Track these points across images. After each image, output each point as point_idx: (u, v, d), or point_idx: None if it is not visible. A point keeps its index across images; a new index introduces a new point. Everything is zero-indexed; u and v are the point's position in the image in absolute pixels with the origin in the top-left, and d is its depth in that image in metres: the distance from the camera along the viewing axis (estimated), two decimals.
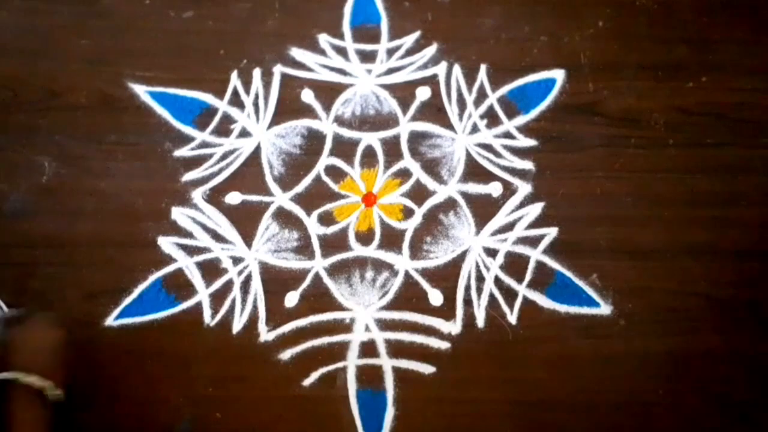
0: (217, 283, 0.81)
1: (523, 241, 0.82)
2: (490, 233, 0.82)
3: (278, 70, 0.87)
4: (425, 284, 0.81)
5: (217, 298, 0.80)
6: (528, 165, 0.84)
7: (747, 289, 0.81)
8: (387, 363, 0.78)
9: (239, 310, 0.80)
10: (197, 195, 0.83)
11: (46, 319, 0.72)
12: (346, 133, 0.86)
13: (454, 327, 0.80)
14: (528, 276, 0.81)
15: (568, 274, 0.81)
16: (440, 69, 0.87)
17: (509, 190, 0.84)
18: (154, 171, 0.83)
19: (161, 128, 0.85)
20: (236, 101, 0.86)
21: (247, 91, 0.86)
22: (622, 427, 0.78)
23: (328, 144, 0.85)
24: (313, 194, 0.84)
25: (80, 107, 0.85)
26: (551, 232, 0.82)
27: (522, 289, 0.80)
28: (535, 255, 0.81)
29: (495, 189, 0.84)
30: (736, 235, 0.83)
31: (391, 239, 0.83)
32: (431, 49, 0.88)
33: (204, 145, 0.84)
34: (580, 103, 0.86)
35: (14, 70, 0.85)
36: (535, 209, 0.83)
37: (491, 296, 0.80)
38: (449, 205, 0.84)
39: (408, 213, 0.84)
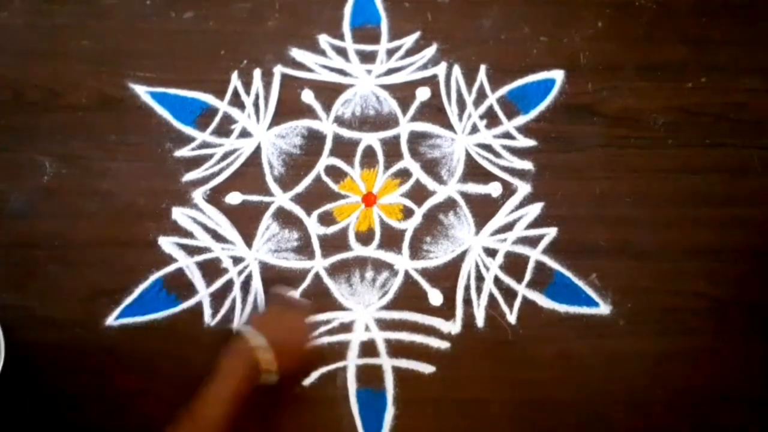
0: (218, 283, 0.81)
1: (522, 241, 0.82)
2: (489, 233, 0.82)
3: (278, 70, 0.87)
4: (425, 284, 0.81)
5: (218, 297, 0.80)
6: (527, 165, 0.84)
7: (747, 289, 0.81)
8: (387, 363, 0.78)
9: (239, 310, 0.80)
10: (198, 195, 0.83)
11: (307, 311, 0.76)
12: (346, 133, 0.86)
13: (453, 327, 0.80)
14: (527, 276, 0.81)
15: (568, 274, 0.81)
16: (440, 69, 0.87)
17: (509, 190, 0.84)
18: (154, 171, 0.83)
19: (162, 128, 0.85)
20: (237, 101, 0.86)
21: (248, 92, 0.86)
22: (622, 427, 0.78)
23: (328, 144, 0.85)
24: (313, 194, 0.84)
25: (81, 107, 0.85)
26: (551, 232, 0.82)
27: (521, 289, 0.80)
28: (535, 255, 0.82)
29: (495, 189, 0.84)
30: (736, 235, 0.83)
31: (391, 239, 0.83)
32: (431, 50, 0.88)
33: (204, 145, 0.85)
34: (579, 104, 0.86)
35: (14, 70, 0.86)
36: (535, 209, 0.83)
37: (491, 296, 0.80)
38: (449, 205, 0.84)
39: (408, 213, 0.84)
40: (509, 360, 0.79)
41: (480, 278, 0.81)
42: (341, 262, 0.82)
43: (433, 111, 0.86)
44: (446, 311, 0.80)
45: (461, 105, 0.87)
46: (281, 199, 0.83)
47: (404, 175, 0.85)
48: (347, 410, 0.78)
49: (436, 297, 0.80)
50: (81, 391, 0.77)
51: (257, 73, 0.87)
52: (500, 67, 0.87)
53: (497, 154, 0.85)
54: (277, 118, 0.86)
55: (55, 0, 0.88)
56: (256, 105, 0.86)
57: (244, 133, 0.85)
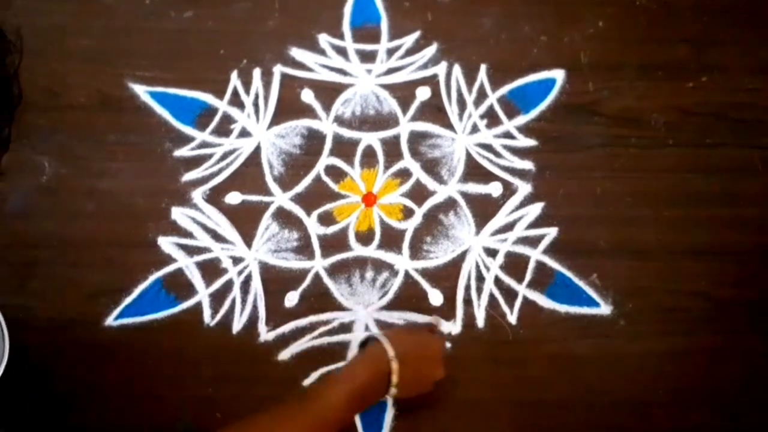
0: (217, 283, 0.80)
1: (523, 241, 0.82)
2: (490, 233, 0.82)
3: (278, 70, 0.87)
4: (425, 284, 0.81)
5: (217, 298, 0.80)
6: (528, 165, 0.84)
7: (747, 289, 0.81)
8: None
9: (239, 310, 0.80)
10: (197, 195, 0.83)
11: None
12: (346, 133, 0.86)
13: (454, 327, 0.79)
14: (528, 276, 0.81)
15: (568, 274, 0.81)
16: (440, 69, 0.87)
17: (509, 190, 0.84)
18: (154, 171, 0.83)
19: (161, 128, 0.85)
20: (236, 101, 0.86)
21: (247, 91, 0.86)
22: (622, 427, 0.78)
23: (328, 144, 0.85)
24: (313, 194, 0.84)
25: (80, 107, 0.85)
26: (551, 232, 0.82)
27: (522, 289, 0.80)
28: (535, 255, 0.81)
29: (495, 189, 0.84)
30: (736, 235, 0.83)
31: (391, 239, 0.83)
32: (431, 49, 0.88)
33: (204, 145, 0.85)
34: (580, 103, 0.86)
35: None
36: (535, 209, 0.83)
37: (491, 296, 0.80)
38: (449, 205, 0.84)
39: (408, 213, 0.84)
40: (509, 360, 0.79)
41: (480, 278, 0.81)
42: (341, 262, 0.82)
43: (434, 111, 0.86)
44: (446, 311, 0.80)
45: (461, 105, 0.86)
46: (281, 199, 0.83)
47: (404, 174, 0.85)
48: None
49: (436, 297, 0.80)
50: (81, 391, 0.77)
51: (257, 72, 0.87)
52: (501, 67, 0.87)
53: (498, 154, 0.85)
54: (277, 118, 0.86)
55: (55, 0, 0.88)
56: (255, 105, 0.86)
57: (244, 133, 0.85)
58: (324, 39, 0.88)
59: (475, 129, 0.86)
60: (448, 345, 0.79)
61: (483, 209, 0.83)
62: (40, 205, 0.82)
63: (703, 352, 0.79)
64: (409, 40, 0.88)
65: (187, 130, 0.85)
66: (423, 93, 0.87)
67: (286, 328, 0.79)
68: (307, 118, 0.86)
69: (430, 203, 0.84)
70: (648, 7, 0.89)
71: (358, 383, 0.63)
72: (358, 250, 0.82)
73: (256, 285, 0.81)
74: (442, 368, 0.70)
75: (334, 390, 0.62)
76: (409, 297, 0.80)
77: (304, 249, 0.82)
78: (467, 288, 0.81)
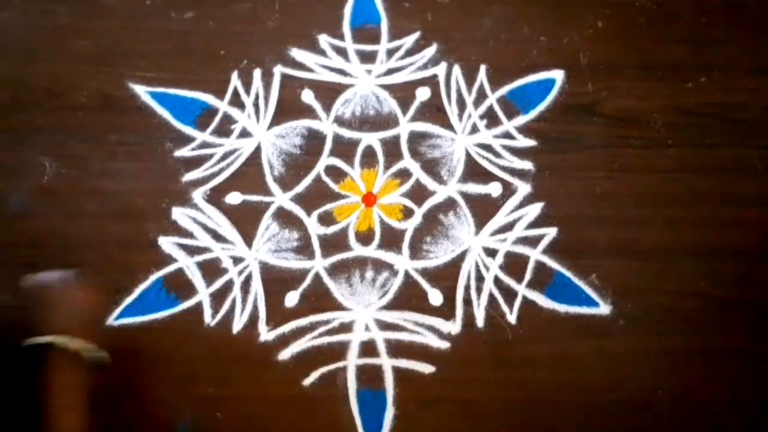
0: (218, 283, 0.81)
1: (522, 241, 0.82)
2: (489, 233, 0.82)
3: (278, 70, 0.87)
4: (425, 284, 0.81)
5: (218, 298, 0.80)
6: (527, 165, 0.84)
7: (747, 289, 0.81)
8: (387, 363, 0.79)
9: (239, 310, 0.80)
10: (198, 195, 0.83)
11: (85, 282, 0.72)
12: (346, 133, 0.86)
13: (453, 327, 0.80)
14: (527, 276, 0.81)
15: (568, 274, 0.81)
16: (440, 69, 0.87)
17: (509, 190, 0.84)
18: (154, 171, 0.83)
19: (162, 128, 0.85)
20: (236, 101, 0.86)
21: (248, 92, 0.86)
22: (622, 427, 0.78)
23: (328, 144, 0.85)
24: (313, 194, 0.84)
25: (80, 107, 0.85)
26: (551, 232, 0.82)
27: (521, 289, 0.80)
28: (535, 255, 0.82)
29: (495, 189, 0.84)
30: (736, 235, 0.83)
31: (391, 239, 0.83)
32: (431, 50, 0.88)
33: (204, 145, 0.85)
34: (579, 103, 0.86)
35: (14, 70, 0.86)
36: (535, 209, 0.83)
37: (491, 296, 0.80)
38: (449, 205, 0.84)
39: (408, 213, 0.84)
40: (509, 360, 0.79)
41: (480, 278, 0.81)
42: (341, 262, 0.82)
43: (433, 111, 0.86)
44: (446, 311, 0.80)
45: (461, 105, 0.87)
46: (281, 199, 0.83)
47: (404, 175, 0.85)
48: (347, 410, 0.78)
49: (436, 297, 0.80)
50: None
51: (257, 73, 0.87)
52: (500, 67, 0.87)
53: (497, 154, 0.85)
54: (277, 118, 0.86)
55: (55, 0, 0.88)
56: (256, 105, 0.86)
57: (244, 133, 0.85)
58: (324, 39, 0.88)
59: (474, 129, 0.86)
60: (448, 345, 0.79)
61: (483, 209, 0.83)
62: (40, 205, 0.82)
63: (702, 352, 0.79)
64: (408, 40, 0.88)
65: (188, 130, 0.85)
66: (423, 93, 0.87)
67: (286, 328, 0.79)
68: (307, 119, 0.86)
69: (429, 203, 0.84)
70: (648, 7, 0.89)
71: (71, 389, 0.65)
72: (358, 250, 0.82)
73: (257, 285, 0.81)
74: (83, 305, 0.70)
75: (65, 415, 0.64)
76: (409, 297, 0.80)
77: (304, 249, 0.82)
78: (467, 288, 0.81)
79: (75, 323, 0.68)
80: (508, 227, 0.83)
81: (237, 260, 0.81)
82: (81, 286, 0.72)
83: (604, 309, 0.80)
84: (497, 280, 0.81)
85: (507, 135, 0.86)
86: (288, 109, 0.86)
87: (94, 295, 0.71)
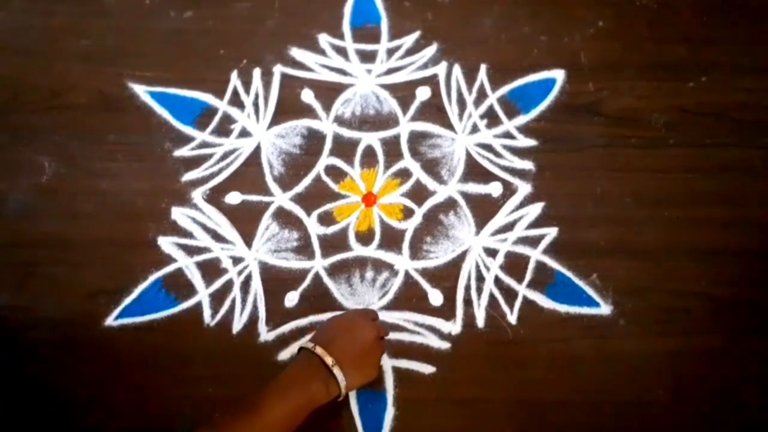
0: (217, 283, 0.81)
1: (523, 241, 0.82)
2: (490, 233, 0.82)
3: (278, 70, 0.87)
4: (425, 284, 0.81)
5: (217, 298, 0.80)
6: (528, 165, 0.84)
7: (747, 289, 0.81)
8: (387, 363, 0.78)
9: (239, 310, 0.80)
10: (197, 195, 0.83)
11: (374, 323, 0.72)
12: (346, 133, 0.86)
13: (454, 327, 0.79)
14: (528, 276, 0.81)
15: (568, 274, 0.81)
16: (440, 69, 0.87)
17: (509, 190, 0.84)
18: (154, 171, 0.83)
19: (161, 128, 0.85)
20: (236, 101, 0.86)
21: (247, 91, 0.86)
22: (622, 427, 0.78)
23: (328, 144, 0.85)
24: (313, 194, 0.84)
25: (80, 107, 0.85)
26: (551, 232, 0.82)
27: (522, 289, 0.80)
28: (535, 255, 0.81)
29: (495, 189, 0.84)
30: (736, 235, 0.83)
31: (391, 239, 0.83)
32: (431, 49, 0.88)
33: (204, 145, 0.85)
34: (580, 103, 0.86)
35: (14, 70, 0.86)
36: (535, 209, 0.83)
37: (491, 296, 0.80)
38: (449, 205, 0.84)
39: (408, 213, 0.84)
40: (509, 360, 0.79)
41: (480, 278, 0.81)
42: (341, 262, 0.82)
43: (434, 111, 0.86)
44: (446, 311, 0.80)
45: (461, 104, 0.86)
46: (281, 198, 0.83)
47: (404, 174, 0.85)
48: (347, 410, 0.77)
49: (436, 297, 0.80)
50: (81, 391, 0.77)
51: (257, 72, 0.87)
52: (500, 67, 0.87)
53: (498, 154, 0.85)
54: (277, 118, 0.86)
55: (55, 0, 0.88)
56: (255, 105, 0.86)
57: (244, 133, 0.85)
58: (324, 39, 0.88)
59: (475, 129, 0.86)
60: (448, 345, 0.79)
61: (483, 209, 0.83)
62: (40, 205, 0.82)
63: (703, 352, 0.79)
64: (409, 40, 0.88)
65: (187, 130, 0.85)
66: (423, 93, 0.87)
67: (286, 328, 0.79)
68: (307, 118, 0.86)
69: (430, 203, 0.84)
70: (648, 7, 0.89)
71: (301, 395, 0.64)
72: (358, 250, 0.82)
73: (256, 285, 0.81)
74: (378, 346, 0.70)
75: (279, 403, 0.62)
76: (409, 297, 0.80)
77: (304, 249, 0.82)
78: (467, 288, 0.81)
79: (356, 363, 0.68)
80: (509, 227, 0.82)
81: (237, 260, 0.81)
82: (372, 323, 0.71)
83: (604, 309, 0.80)
84: (498, 280, 0.81)
85: (507, 135, 0.85)
86: (288, 108, 0.86)
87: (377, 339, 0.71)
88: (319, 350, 0.66)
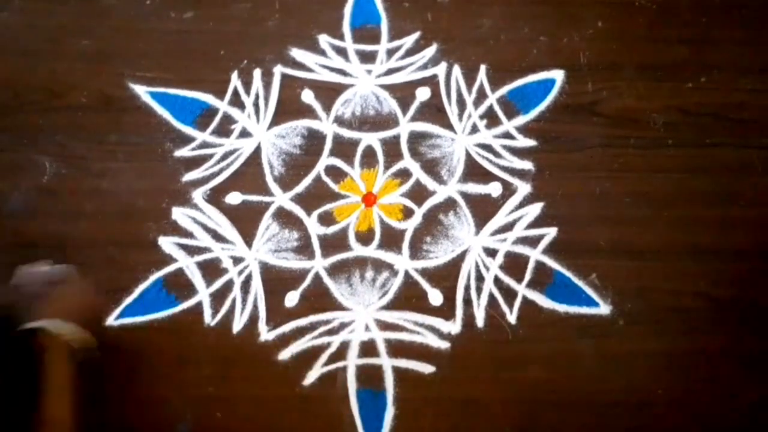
0: (218, 283, 0.81)
1: (522, 241, 0.82)
2: (489, 233, 0.83)
3: (278, 70, 0.87)
4: (425, 284, 0.81)
5: (218, 298, 0.80)
6: (527, 165, 0.84)
7: (747, 289, 0.81)
8: (387, 363, 0.79)
9: (239, 310, 0.80)
10: (198, 195, 0.83)
11: (80, 277, 0.74)
12: (346, 133, 0.86)
13: (453, 327, 0.80)
14: (527, 276, 0.81)
15: (568, 274, 0.81)
16: (440, 69, 0.87)
17: (509, 190, 0.84)
18: (154, 171, 0.83)
19: (162, 128, 0.85)
20: (236, 101, 0.86)
21: (248, 92, 0.86)
22: (622, 427, 0.78)
23: (328, 144, 0.85)
24: (313, 194, 0.84)
25: (81, 107, 0.85)
26: (551, 232, 0.82)
27: (521, 289, 0.81)
28: (535, 255, 0.82)
29: (495, 189, 0.84)
30: (736, 235, 0.83)
31: (391, 239, 0.83)
32: (431, 50, 0.88)
33: (204, 145, 0.85)
34: (579, 103, 0.86)
35: (14, 70, 0.86)
36: (535, 209, 0.83)
37: (491, 296, 0.80)
38: (449, 205, 0.84)
39: (408, 213, 0.84)
40: (509, 360, 0.79)
41: (480, 278, 0.81)
42: (341, 262, 0.82)
43: (433, 111, 0.86)
44: (446, 311, 0.80)
45: (461, 105, 0.87)
46: (281, 199, 0.83)
47: (404, 175, 0.85)
48: (347, 410, 0.78)
49: (436, 297, 0.80)
50: (80, 391, 0.77)
51: (257, 73, 0.87)
52: (500, 67, 0.87)
53: (497, 154, 0.85)
54: (277, 118, 0.86)
55: (55, 0, 0.88)
56: (256, 105, 0.86)
57: (244, 133, 0.85)
58: (324, 39, 0.88)
59: (474, 129, 0.86)
60: (448, 345, 0.79)
61: (483, 209, 0.83)
62: (40, 205, 0.82)
63: (702, 352, 0.79)
64: (408, 40, 0.88)
65: (188, 130, 0.85)
66: (423, 93, 0.87)
67: (286, 328, 0.79)
68: (307, 119, 0.86)
69: (429, 203, 0.84)
70: (648, 7, 0.89)
71: (63, 378, 0.65)
72: (358, 250, 0.82)
73: (257, 285, 0.81)
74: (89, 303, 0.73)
75: (57, 401, 0.64)
76: (409, 297, 0.80)
77: (304, 249, 0.82)
78: (467, 288, 0.81)
79: (67, 312, 0.68)
80: (508, 227, 0.83)
81: (237, 260, 0.81)
82: (75, 280, 0.74)
83: (604, 309, 0.80)
84: (497, 280, 0.81)
85: (507, 135, 0.86)
86: (288, 109, 0.86)
87: (88, 288, 0.73)
88: (47, 326, 0.67)
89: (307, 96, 0.86)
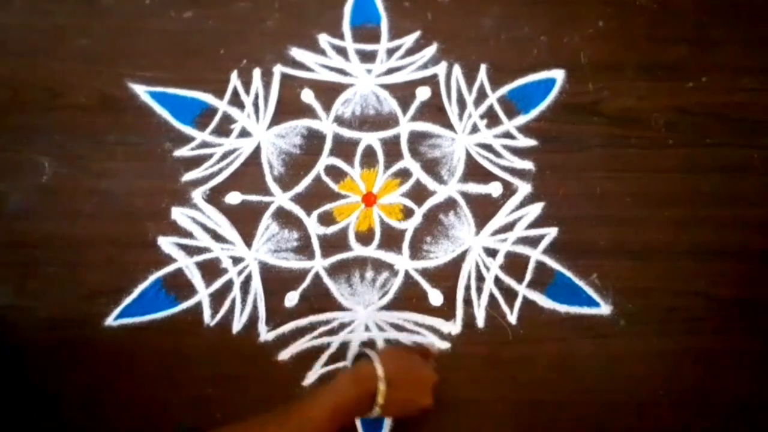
0: (217, 283, 0.81)
1: (523, 241, 0.82)
2: (490, 233, 0.82)
3: (278, 70, 0.87)
4: (425, 284, 0.81)
5: (217, 298, 0.80)
6: (528, 165, 0.84)
7: (747, 289, 0.81)
8: None
9: (239, 310, 0.80)
10: (197, 195, 0.83)
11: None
12: (346, 133, 0.86)
13: (454, 327, 0.80)
14: (528, 276, 0.81)
15: (568, 274, 0.81)
16: (440, 69, 0.87)
17: (509, 190, 0.84)
18: (154, 171, 0.83)
19: (161, 128, 0.85)
20: (236, 101, 0.86)
21: (247, 91, 0.86)
22: (622, 427, 0.78)
23: (328, 144, 0.85)
24: (313, 194, 0.84)
25: (80, 107, 0.85)
26: (551, 232, 0.82)
27: (522, 289, 0.80)
28: (535, 255, 0.81)
29: (495, 189, 0.84)
30: (736, 235, 0.83)
31: (391, 239, 0.83)
32: (431, 49, 0.88)
33: (204, 145, 0.85)
34: (580, 103, 0.86)
35: (14, 70, 0.85)
36: (535, 209, 0.83)
37: (491, 296, 0.80)
38: (449, 205, 0.84)
39: (408, 213, 0.84)
40: (509, 360, 0.79)
41: (480, 278, 0.81)
42: (341, 262, 0.82)
43: (434, 111, 0.86)
44: (446, 311, 0.80)
45: (461, 104, 0.86)
46: (281, 198, 0.83)
47: (404, 174, 0.85)
48: None
49: (436, 297, 0.80)
50: (81, 391, 0.77)
51: (257, 72, 0.87)
52: (500, 67, 0.87)
53: (498, 154, 0.85)
54: (277, 118, 0.86)
55: (55, 0, 0.88)
56: (255, 104, 0.86)
57: (244, 133, 0.85)
58: (324, 39, 0.88)
59: (475, 129, 0.86)
60: (448, 345, 0.79)
61: (483, 209, 0.83)
62: (40, 205, 0.82)
63: (703, 352, 0.79)
64: (409, 40, 0.88)
65: (187, 130, 0.85)
66: (423, 93, 0.87)
67: (286, 328, 0.79)
68: (307, 118, 0.86)
69: (430, 203, 0.84)
70: (648, 7, 0.89)
71: (344, 399, 0.64)
72: (358, 250, 0.82)
73: (256, 285, 0.81)
74: (430, 397, 0.70)
75: (319, 403, 0.63)
76: (409, 297, 0.80)
77: (304, 249, 0.82)
78: (467, 288, 0.81)
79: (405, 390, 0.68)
80: (509, 227, 0.82)
81: (237, 260, 0.81)
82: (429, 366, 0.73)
83: (604, 309, 0.80)
84: (497, 280, 0.81)
85: (507, 135, 0.85)
86: (288, 108, 0.86)
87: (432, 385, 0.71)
88: (374, 358, 0.67)
89: (307, 96, 0.86)
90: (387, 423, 0.76)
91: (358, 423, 0.77)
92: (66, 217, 0.82)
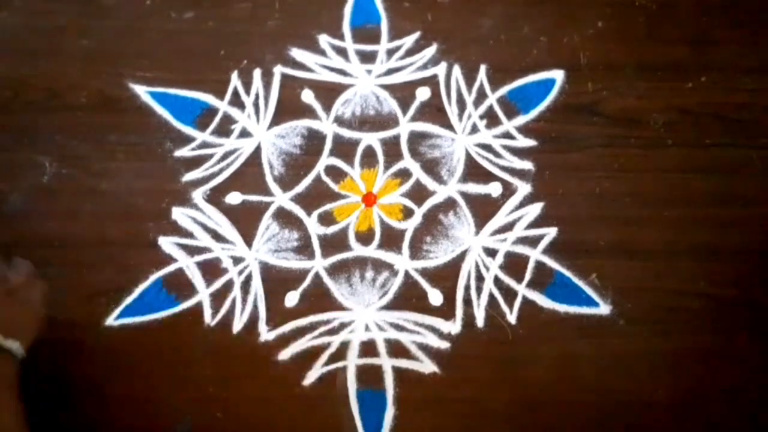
0: (218, 283, 0.81)
1: (522, 241, 0.82)
2: (489, 233, 0.83)
3: (278, 70, 0.87)
4: (425, 284, 0.81)
5: (218, 298, 0.80)
6: (527, 165, 0.84)
7: (747, 289, 0.81)
8: (387, 363, 0.79)
9: (239, 310, 0.80)
10: (198, 195, 0.83)
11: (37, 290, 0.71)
12: (346, 133, 0.86)
13: (453, 327, 0.80)
14: (527, 276, 0.81)
15: (568, 273, 0.81)
16: (440, 69, 0.87)
17: (509, 190, 0.84)
18: (154, 171, 0.83)
19: (162, 128, 0.85)
20: (237, 101, 0.86)
21: (248, 92, 0.86)
22: (622, 427, 0.78)
23: (328, 144, 0.85)
24: (313, 194, 0.84)
25: (80, 107, 0.85)
26: (551, 232, 0.82)
27: (521, 289, 0.81)
28: (535, 255, 0.82)
29: (495, 189, 0.84)
30: (736, 235, 0.83)
31: (391, 239, 0.83)
32: (431, 50, 0.88)
33: (204, 145, 0.85)
34: (579, 103, 0.86)
35: (14, 70, 0.86)
36: (535, 209, 0.83)
37: (491, 296, 0.80)
38: (449, 205, 0.84)
39: (408, 213, 0.84)
40: (509, 360, 0.79)
41: (480, 278, 0.81)
42: (341, 262, 0.82)
43: (433, 111, 0.86)
44: (446, 311, 0.80)
45: (461, 105, 0.87)
46: (281, 199, 0.83)
47: (404, 175, 0.85)
48: (347, 410, 0.78)
49: (436, 297, 0.80)
50: (81, 392, 0.77)
51: (257, 73, 0.87)
52: (500, 67, 0.87)
53: (497, 154, 0.85)
54: (277, 118, 0.86)
55: (56, 0, 0.88)
56: (256, 105, 0.86)
57: (244, 133, 0.85)
58: (324, 39, 0.88)
59: (474, 129, 0.86)
60: (448, 345, 0.79)
61: (483, 209, 0.83)
62: (40, 205, 0.82)
63: (703, 352, 0.79)
64: (409, 40, 0.88)
65: (188, 130, 0.85)
66: (423, 93, 0.87)
67: (286, 328, 0.79)
68: (307, 119, 0.86)
69: (429, 203, 0.84)
70: (648, 7, 0.89)
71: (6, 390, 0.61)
72: (358, 250, 0.82)
73: (257, 285, 0.81)
74: (30, 286, 0.69)
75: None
76: (409, 297, 0.81)
77: (304, 249, 0.82)
78: (467, 288, 0.81)
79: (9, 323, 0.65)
80: (508, 227, 0.83)
81: (237, 260, 0.81)
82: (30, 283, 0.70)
83: (604, 309, 0.80)
84: (497, 280, 0.81)
85: (507, 135, 0.86)
86: (288, 109, 0.86)
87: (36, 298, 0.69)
88: None
89: (307, 96, 0.86)
90: (387, 421, 0.77)
91: (358, 423, 0.77)
92: (66, 217, 0.82)
